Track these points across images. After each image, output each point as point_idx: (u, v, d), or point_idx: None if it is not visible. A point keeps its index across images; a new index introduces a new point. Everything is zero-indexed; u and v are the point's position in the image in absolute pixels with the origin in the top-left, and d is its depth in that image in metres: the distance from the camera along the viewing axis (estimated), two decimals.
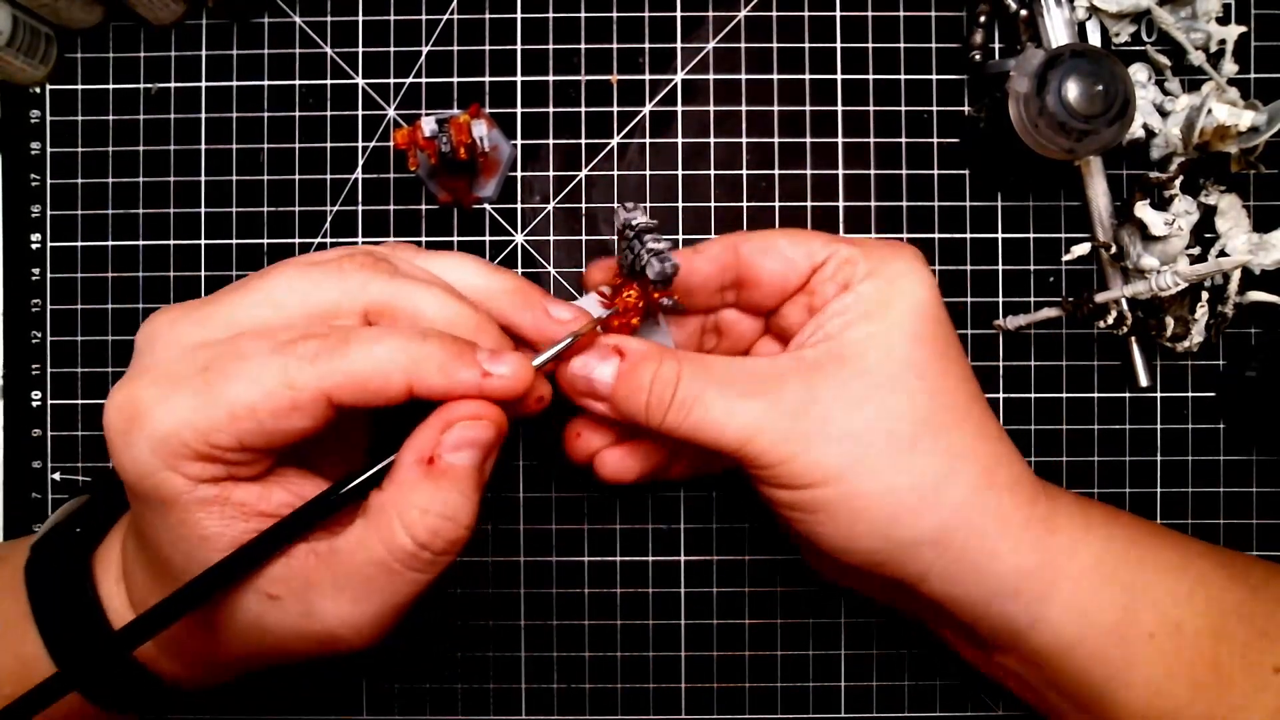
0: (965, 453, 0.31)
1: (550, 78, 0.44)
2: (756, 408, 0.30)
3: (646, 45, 0.44)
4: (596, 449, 0.36)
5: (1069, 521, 0.33)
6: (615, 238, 0.33)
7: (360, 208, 0.44)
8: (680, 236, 0.44)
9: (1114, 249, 0.41)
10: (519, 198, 0.44)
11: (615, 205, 0.33)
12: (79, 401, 0.44)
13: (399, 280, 0.29)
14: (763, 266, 0.34)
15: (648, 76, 0.44)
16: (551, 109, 0.44)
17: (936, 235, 0.44)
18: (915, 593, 0.33)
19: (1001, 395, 0.44)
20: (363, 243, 0.44)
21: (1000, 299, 0.44)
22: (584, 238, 0.44)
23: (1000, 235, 0.44)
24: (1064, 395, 0.44)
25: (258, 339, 0.27)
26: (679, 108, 0.44)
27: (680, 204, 0.44)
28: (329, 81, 0.44)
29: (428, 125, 0.40)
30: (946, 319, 0.33)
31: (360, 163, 0.44)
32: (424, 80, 0.44)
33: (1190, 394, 0.44)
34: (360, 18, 0.44)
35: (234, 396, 0.26)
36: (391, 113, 0.44)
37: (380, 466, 0.29)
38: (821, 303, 0.33)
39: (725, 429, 0.30)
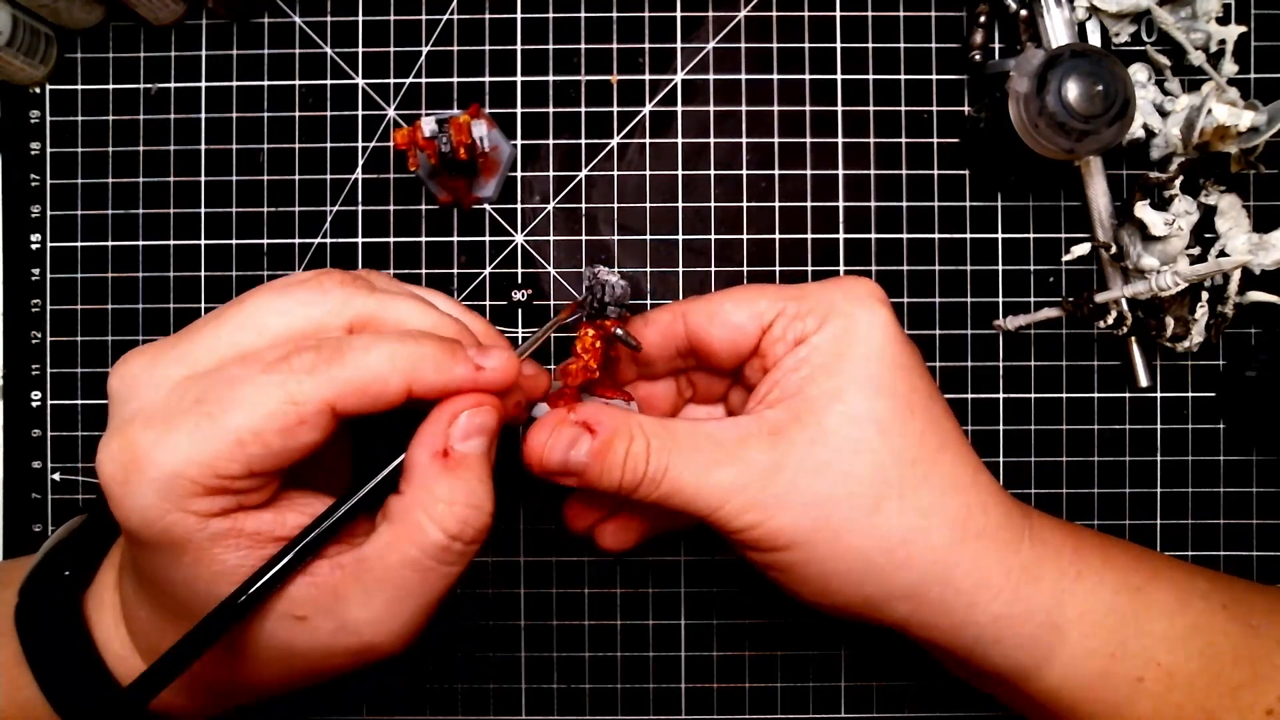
0: (933, 508, 0.31)
1: (550, 78, 0.44)
2: (724, 477, 0.31)
3: (646, 45, 0.44)
4: (592, 522, 0.37)
5: (1056, 569, 0.32)
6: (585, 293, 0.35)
7: (360, 208, 0.44)
8: (680, 237, 0.44)
9: (1114, 249, 0.41)
10: (519, 198, 0.44)
11: (586, 269, 0.35)
12: (79, 401, 0.44)
13: (379, 294, 0.29)
14: (710, 335, 0.34)
15: (648, 76, 0.44)
16: (551, 109, 0.44)
17: (936, 235, 0.44)
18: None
19: (1001, 395, 0.44)
20: (362, 243, 0.44)
21: (1000, 299, 0.44)
22: (584, 238, 0.44)
23: (1000, 235, 0.44)
24: (1064, 395, 0.44)
25: (246, 363, 0.27)
26: (679, 108, 0.44)
27: (680, 204, 0.44)
28: (329, 81, 0.44)
29: (428, 125, 0.40)
30: (908, 356, 0.32)
31: (360, 163, 0.44)
32: (424, 80, 0.44)
33: (1190, 394, 0.44)
34: (360, 18, 0.44)
35: (239, 423, 0.26)
36: (391, 113, 0.44)
37: (390, 468, 0.29)
38: (774, 363, 0.33)
39: (695, 498, 0.31)
